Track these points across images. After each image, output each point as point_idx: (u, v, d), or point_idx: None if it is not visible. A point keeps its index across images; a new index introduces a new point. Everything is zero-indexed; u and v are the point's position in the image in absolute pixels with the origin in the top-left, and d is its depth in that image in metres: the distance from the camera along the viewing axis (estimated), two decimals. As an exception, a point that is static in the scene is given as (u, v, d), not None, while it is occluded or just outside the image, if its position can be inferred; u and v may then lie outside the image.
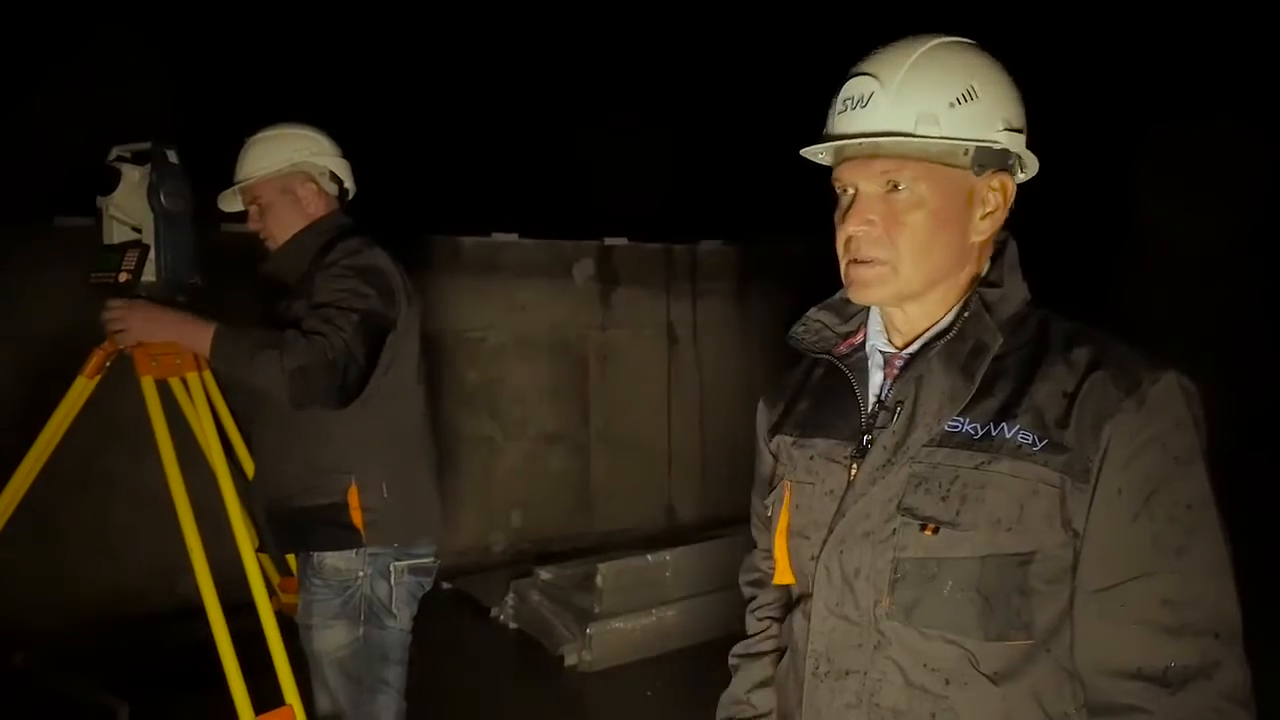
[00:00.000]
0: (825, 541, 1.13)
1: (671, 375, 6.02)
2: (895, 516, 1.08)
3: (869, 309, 1.23)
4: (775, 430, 1.30)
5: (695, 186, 6.64)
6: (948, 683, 1.06)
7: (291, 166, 2.32)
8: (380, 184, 2.70)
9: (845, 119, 1.13)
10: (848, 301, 1.24)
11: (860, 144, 1.10)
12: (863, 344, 1.23)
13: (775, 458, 1.29)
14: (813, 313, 1.27)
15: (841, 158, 1.14)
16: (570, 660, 4.10)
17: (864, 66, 1.14)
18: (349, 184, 2.45)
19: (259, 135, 2.36)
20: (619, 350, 5.86)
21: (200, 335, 2.13)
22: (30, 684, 3.69)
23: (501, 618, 4.55)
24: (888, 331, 1.21)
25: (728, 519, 5.48)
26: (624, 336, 5.86)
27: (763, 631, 1.39)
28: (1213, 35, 5.60)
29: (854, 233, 1.12)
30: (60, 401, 2.34)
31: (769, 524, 1.29)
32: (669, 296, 6.02)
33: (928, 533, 1.06)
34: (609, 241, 5.83)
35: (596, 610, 4.15)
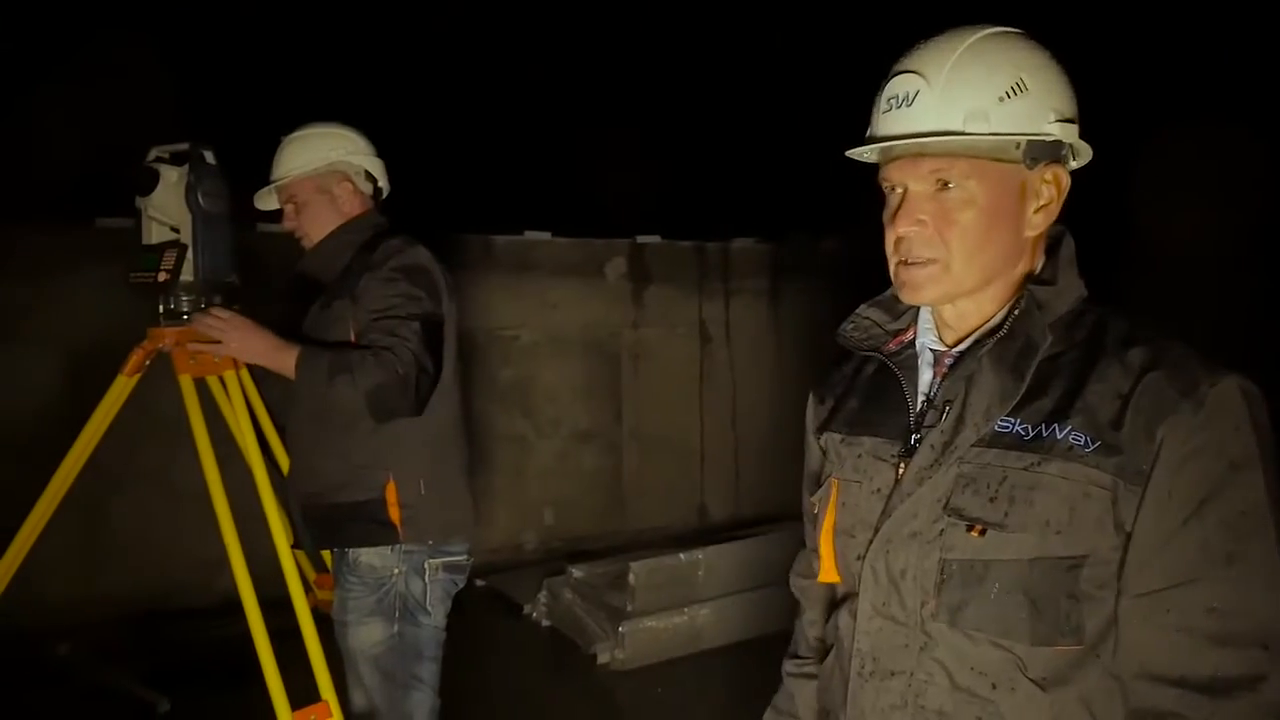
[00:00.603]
0: (872, 541, 1.12)
1: (704, 374, 6.00)
2: (942, 517, 1.07)
3: (919, 306, 1.21)
4: (824, 427, 1.28)
5: (728, 184, 6.61)
6: (994, 687, 1.04)
7: (328, 165, 2.34)
8: (414, 183, 2.72)
9: (891, 119, 1.11)
10: (898, 298, 1.21)
11: (908, 144, 1.09)
12: (913, 341, 1.21)
13: (824, 454, 1.28)
14: (862, 310, 1.25)
15: (889, 157, 1.12)
16: (603, 658, 4.10)
17: (907, 64, 1.11)
18: (383, 183, 2.46)
19: (295, 134, 2.38)
20: (651, 348, 5.85)
21: (286, 360, 2.16)
22: (73, 676, 3.77)
23: (534, 615, 4.56)
24: (938, 329, 1.19)
25: (760, 518, 5.46)
26: (656, 335, 5.85)
27: (812, 658, 1.37)
28: (1214, 34, 5.51)
29: (904, 233, 1.10)
30: (101, 399, 2.38)
31: (816, 521, 1.27)
32: (701, 295, 6.00)
33: (975, 534, 1.04)
34: (641, 239, 5.82)
35: (629, 609, 4.14)
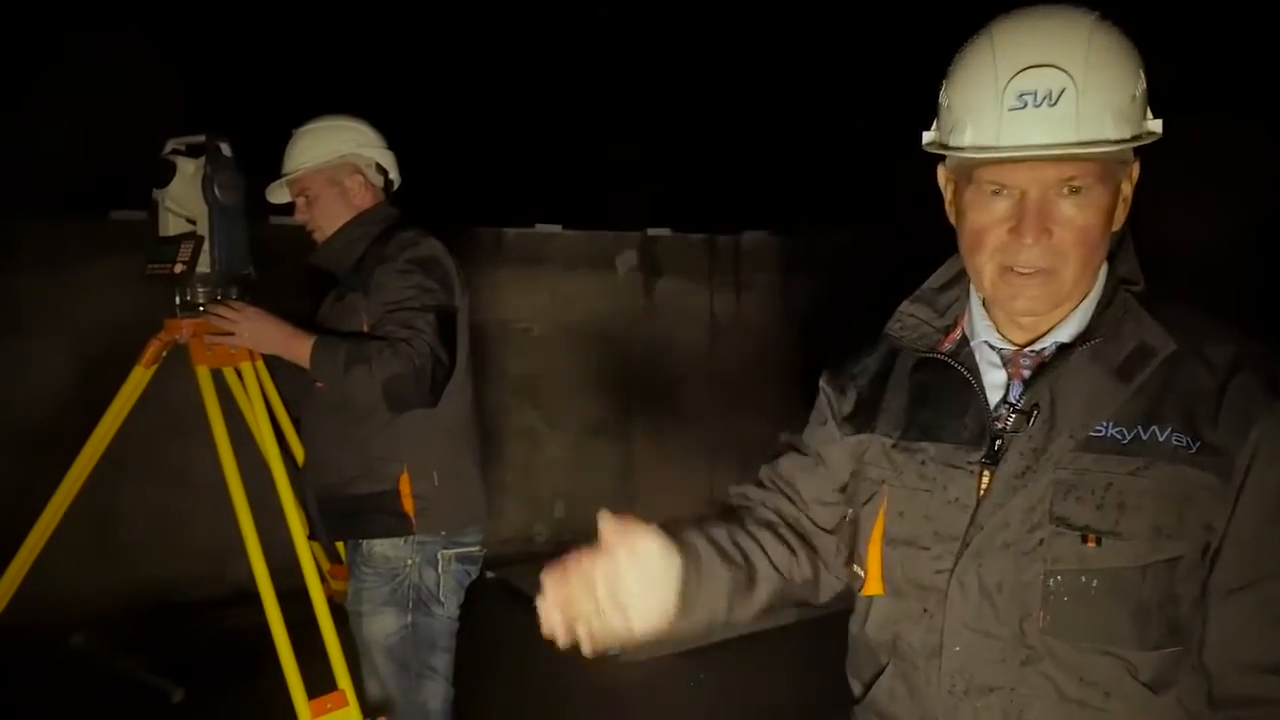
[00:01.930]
0: (960, 554, 1.07)
1: (714, 367, 6.00)
2: (1042, 526, 1.03)
3: (961, 299, 1.17)
4: (859, 424, 1.20)
5: (739, 177, 6.60)
6: (1108, 695, 1.02)
7: (339, 158, 2.35)
8: (425, 175, 2.72)
9: (1026, 120, 1.00)
10: (938, 293, 1.18)
11: (1062, 153, 0.99)
12: (963, 339, 1.16)
13: (854, 452, 1.21)
14: (905, 307, 1.20)
15: (1015, 158, 1.01)
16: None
17: (1036, 54, 1.00)
18: (394, 175, 2.47)
19: (306, 127, 2.39)
20: (662, 341, 5.85)
21: (301, 350, 2.18)
22: (88, 665, 3.80)
23: (545, 607, 4.56)
24: (1000, 327, 1.13)
25: (771, 511, 5.46)
26: (667, 327, 5.85)
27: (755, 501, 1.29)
28: (1218, 31, 5.47)
29: (1031, 243, 1.02)
30: (118, 391, 2.39)
31: (858, 530, 1.19)
32: (712, 287, 5.99)
33: (1090, 544, 1.00)
34: (652, 232, 5.82)
35: (640, 601, 4.14)
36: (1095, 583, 1.01)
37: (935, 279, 1.19)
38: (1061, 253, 1.03)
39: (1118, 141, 1.00)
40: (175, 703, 3.56)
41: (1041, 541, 1.03)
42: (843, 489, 1.24)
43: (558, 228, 5.53)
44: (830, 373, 1.29)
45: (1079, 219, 1.02)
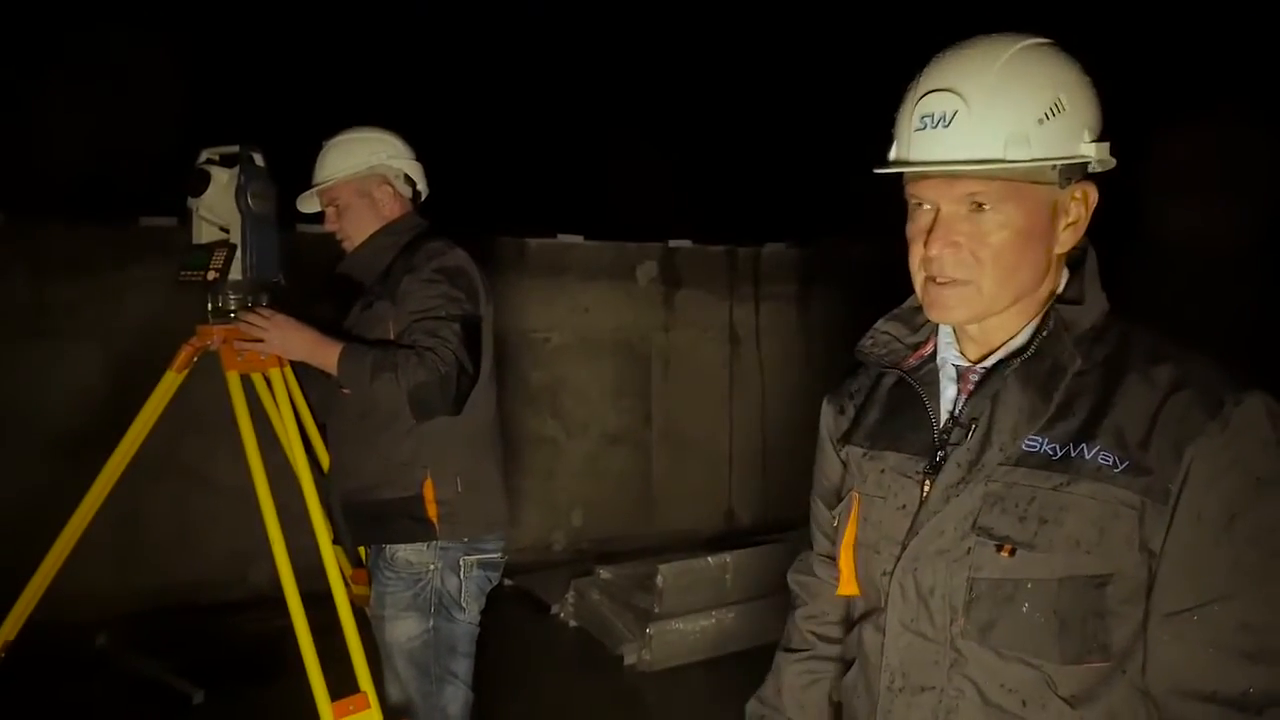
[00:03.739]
0: (899, 558, 1.12)
1: (733, 377, 6.01)
2: (970, 535, 1.07)
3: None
4: (846, 439, 1.27)
5: (759, 189, 6.62)
6: (1025, 704, 1.05)
7: (369, 169, 2.39)
8: (451, 185, 2.76)
9: (925, 139, 1.07)
10: (916, 311, 1.21)
11: (945, 170, 1.06)
12: (933, 355, 1.20)
13: (845, 467, 1.27)
14: (880, 324, 1.24)
15: (920, 175, 1.09)
16: (630, 659, 4.12)
17: (941, 79, 1.07)
18: (422, 186, 2.51)
19: (336, 138, 2.43)
20: (681, 352, 5.87)
21: (328, 356, 2.21)
22: (111, 666, 3.84)
23: (562, 615, 4.59)
24: (960, 343, 1.17)
25: (787, 523, 5.44)
26: (687, 338, 5.87)
27: (808, 650, 1.38)
28: (1224, 31, 5.43)
29: (937, 254, 1.08)
30: (150, 395, 2.43)
31: (834, 533, 1.27)
32: (732, 299, 6.01)
33: (1004, 554, 1.04)
34: (673, 243, 5.84)
35: (657, 610, 4.16)
36: (1014, 592, 1.04)
37: (914, 298, 1.21)
38: (974, 265, 1.07)
39: (1011, 162, 1.03)
40: (196, 704, 3.59)
41: (969, 550, 1.07)
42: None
43: (579, 238, 5.56)
44: (830, 395, 1.35)
45: (991, 236, 1.06)
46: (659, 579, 4.18)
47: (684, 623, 4.15)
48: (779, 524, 5.41)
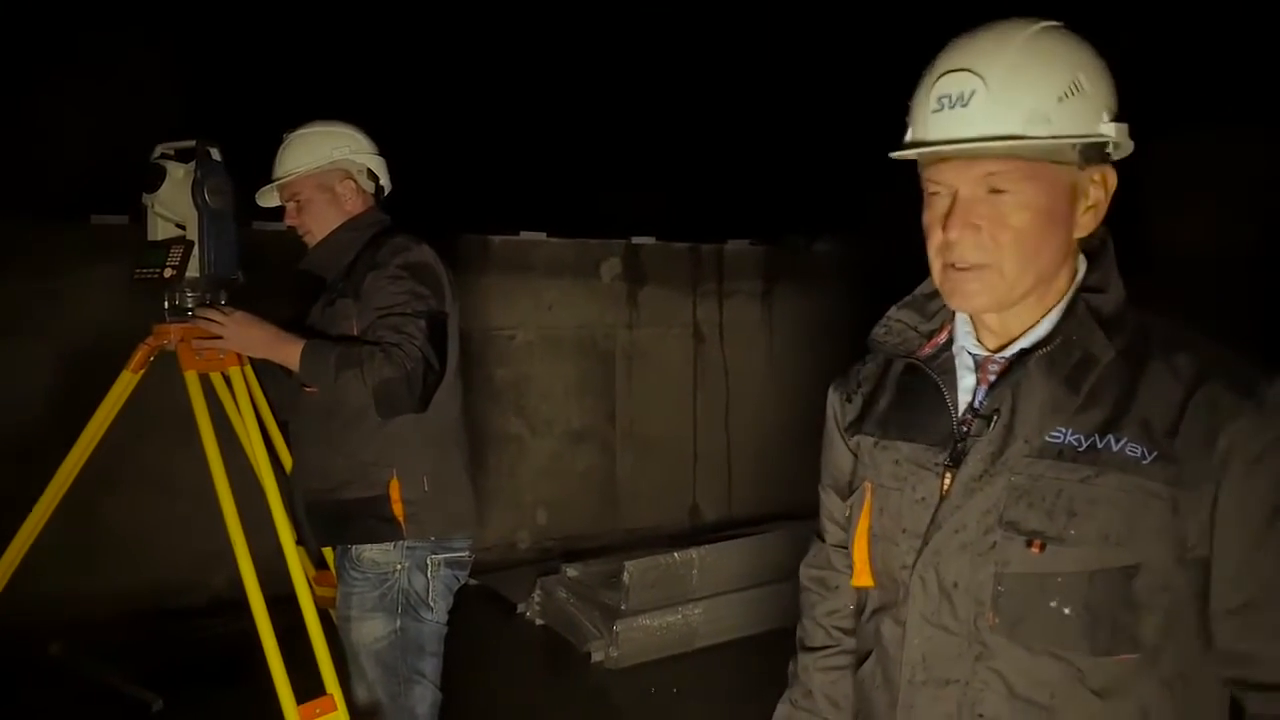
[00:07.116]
0: (920, 551, 1.10)
1: (697, 375, 6.03)
2: (995, 529, 1.05)
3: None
4: (855, 428, 1.25)
5: (723, 186, 6.63)
6: (1053, 696, 1.04)
7: (330, 163, 2.35)
8: (411, 181, 2.73)
9: (943, 119, 1.05)
10: (929, 298, 1.20)
11: (964, 149, 1.04)
12: (948, 343, 1.18)
13: (855, 456, 1.25)
14: (893, 312, 1.22)
15: (936, 157, 1.08)
16: (597, 657, 4.12)
17: (958, 59, 1.06)
18: (385, 181, 2.47)
19: (298, 132, 2.39)
20: (645, 349, 5.87)
21: (290, 353, 2.18)
22: (65, 674, 3.75)
23: (528, 614, 4.57)
24: (977, 332, 1.15)
25: (752, 519, 5.48)
26: (650, 335, 5.87)
27: (835, 646, 1.35)
28: (1221, 37, 5.54)
29: (956, 238, 1.06)
30: (105, 396, 2.38)
31: (848, 524, 1.25)
32: (695, 296, 6.03)
33: (1034, 549, 1.02)
34: (636, 240, 5.84)
35: (623, 607, 4.16)
36: (1044, 587, 1.02)
37: (927, 284, 1.20)
38: (995, 249, 1.06)
39: (1032, 139, 1.02)
40: (155, 711, 3.53)
41: (994, 544, 1.05)
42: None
43: (542, 235, 5.55)
44: (837, 383, 1.33)
45: (1011, 218, 1.05)
46: (625, 576, 4.18)
47: (651, 619, 4.16)
48: (744, 520, 5.45)
